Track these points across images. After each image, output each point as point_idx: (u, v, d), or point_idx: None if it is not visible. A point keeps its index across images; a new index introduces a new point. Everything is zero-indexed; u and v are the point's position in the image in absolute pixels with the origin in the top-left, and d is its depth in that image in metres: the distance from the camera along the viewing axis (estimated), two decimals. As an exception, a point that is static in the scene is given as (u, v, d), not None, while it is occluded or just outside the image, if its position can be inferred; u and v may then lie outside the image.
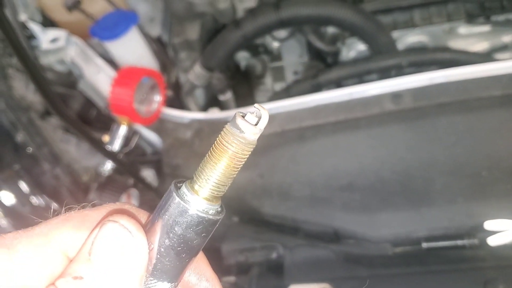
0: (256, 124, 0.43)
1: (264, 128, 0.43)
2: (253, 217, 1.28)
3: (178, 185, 0.46)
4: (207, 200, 0.45)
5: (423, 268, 1.16)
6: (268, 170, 1.28)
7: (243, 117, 0.43)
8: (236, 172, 0.45)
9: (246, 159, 0.44)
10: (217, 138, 0.43)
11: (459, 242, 1.18)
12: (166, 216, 0.44)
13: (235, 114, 0.43)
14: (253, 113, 0.43)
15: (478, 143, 1.23)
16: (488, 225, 1.18)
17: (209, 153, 0.44)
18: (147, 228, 0.45)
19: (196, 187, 0.45)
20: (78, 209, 0.44)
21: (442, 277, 1.13)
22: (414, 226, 1.21)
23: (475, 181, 1.21)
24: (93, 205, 0.45)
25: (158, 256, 0.44)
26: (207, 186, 0.44)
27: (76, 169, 1.52)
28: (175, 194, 0.44)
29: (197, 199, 0.44)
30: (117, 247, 0.40)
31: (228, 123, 0.43)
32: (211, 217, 0.44)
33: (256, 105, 0.43)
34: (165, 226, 0.44)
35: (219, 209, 0.46)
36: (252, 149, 0.43)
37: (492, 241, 1.16)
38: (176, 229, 0.44)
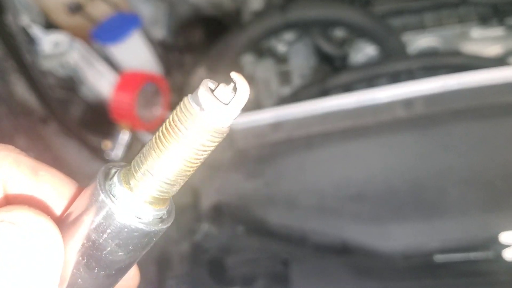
0: (228, 103, 0.29)
1: (241, 111, 0.30)
2: (258, 227, 1.24)
3: (111, 171, 0.33)
4: (146, 203, 0.31)
5: (435, 281, 1.12)
6: (274, 178, 1.24)
7: (212, 89, 0.29)
8: (193, 168, 0.31)
9: (210, 151, 0.31)
10: (170, 116, 0.31)
11: (473, 255, 1.14)
12: (85, 217, 0.31)
13: (202, 82, 0.29)
14: (228, 85, 0.29)
15: (492, 151, 1.19)
16: (503, 237, 1.13)
17: (157, 135, 0.31)
18: (61, 227, 0.32)
19: (132, 181, 0.31)
20: None
21: (455, 291, 1.10)
22: (426, 238, 1.17)
23: (489, 191, 1.17)
24: None
25: (73, 271, 0.32)
26: (148, 182, 0.31)
27: (78, 175, 1.49)
28: (99, 188, 0.31)
29: (130, 199, 0.31)
30: (27, 258, 0.29)
31: (188, 95, 0.30)
32: (145, 227, 0.31)
33: (233, 73, 0.29)
34: (81, 231, 0.31)
35: (163, 215, 0.33)
36: (220, 139, 0.30)
37: (508, 254, 1.12)
38: (94, 237, 0.31)
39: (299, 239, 1.22)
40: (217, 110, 0.29)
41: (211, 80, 0.29)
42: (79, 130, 1.29)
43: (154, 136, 0.31)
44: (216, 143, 0.30)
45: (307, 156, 1.25)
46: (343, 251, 1.19)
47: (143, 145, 0.32)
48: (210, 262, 1.22)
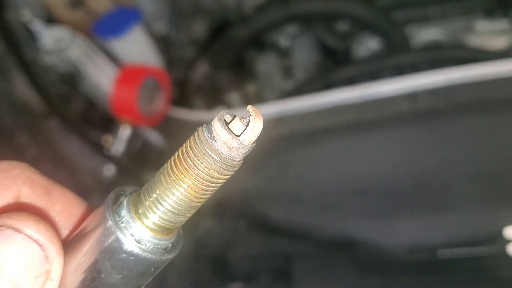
0: (240, 135, 0.28)
1: (254, 144, 0.29)
2: (261, 222, 1.23)
3: (121, 196, 0.33)
4: (154, 232, 0.31)
5: (439, 276, 1.11)
6: (277, 174, 1.23)
7: (227, 121, 0.29)
8: (203, 201, 0.31)
9: (221, 184, 0.30)
10: (183, 145, 0.30)
11: (477, 250, 1.13)
12: (93, 242, 0.31)
13: (217, 113, 0.28)
14: (244, 118, 0.29)
15: (497, 145, 1.18)
16: (508, 232, 1.12)
17: (168, 164, 0.30)
18: (67, 246, 0.32)
19: (141, 209, 0.31)
20: None
21: (459, 286, 1.09)
22: (430, 233, 1.16)
23: (494, 186, 1.16)
24: None
25: None
26: (157, 212, 0.31)
27: (79, 171, 1.48)
28: (108, 214, 0.31)
29: (139, 228, 0.31)
30: (23, 265, 0.29)
31: (203, 126, 0.29)
32: (153, 257, 0.31)
33: (249, 107, 0.29)
34: (84, 252, 0.31)
35: (171, 244, 0.33)
36: (232, 172, 0.30)
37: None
38: (101, 264, 0.31)
39: (302, 234, 1.21)
40: (231, 145, 0.28)
41: (228, 112, 0.29)
42: (80, 125, 1.28)
43: (165, 164, 0.31)
44: (228, 177, 0.30)
45: (310, 151, 1.23)
46: (347, 247, 1.18)
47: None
48: (212, 258, 1.22)
